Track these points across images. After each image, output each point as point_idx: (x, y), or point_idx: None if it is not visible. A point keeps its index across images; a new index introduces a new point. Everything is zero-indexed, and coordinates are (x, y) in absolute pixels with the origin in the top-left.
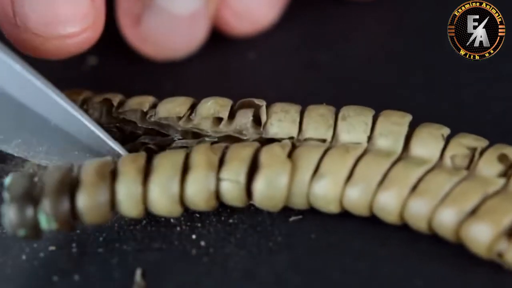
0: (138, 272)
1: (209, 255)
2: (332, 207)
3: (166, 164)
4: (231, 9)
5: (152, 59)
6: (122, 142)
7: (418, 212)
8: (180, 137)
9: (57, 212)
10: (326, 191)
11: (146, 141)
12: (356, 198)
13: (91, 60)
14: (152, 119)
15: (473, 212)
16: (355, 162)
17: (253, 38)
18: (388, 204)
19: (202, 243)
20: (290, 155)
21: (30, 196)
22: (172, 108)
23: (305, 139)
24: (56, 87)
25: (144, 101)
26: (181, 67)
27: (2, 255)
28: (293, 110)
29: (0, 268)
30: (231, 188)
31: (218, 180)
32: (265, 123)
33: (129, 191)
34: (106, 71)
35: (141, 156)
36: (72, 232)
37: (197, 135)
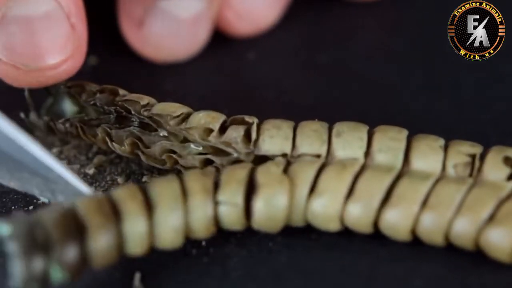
0: (137, 276)
1: (209, 255)
2: (332, 225)
3: (167, 196)
4: (232, 10)
5: (154, 61)
6: (116, 123)
7: (433, 226)
8: (166, 136)
9: (69, 261)
10: (325, 209)
11: (135, 131)
12: (358, 215)
13: (92, 60)
14: (146, 114)
15: (491, 218)
16: (354, 178)
17: (253, 38)
18: (398, 221)
19: (203, 242)
20: (285, 171)
21: (37, 246)
22: (168, 107)
23: (299, 155)
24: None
25: (144, 98)
26: (182, 67)
27: (2, 254)
28: (285, 126)
29: (1, 268)
30: (230, 211)
31: (215, 204)
32: (257, 139)
33: (136, 229)
34: (106, 70)
35: (137, 190)
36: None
37: (185, 141)
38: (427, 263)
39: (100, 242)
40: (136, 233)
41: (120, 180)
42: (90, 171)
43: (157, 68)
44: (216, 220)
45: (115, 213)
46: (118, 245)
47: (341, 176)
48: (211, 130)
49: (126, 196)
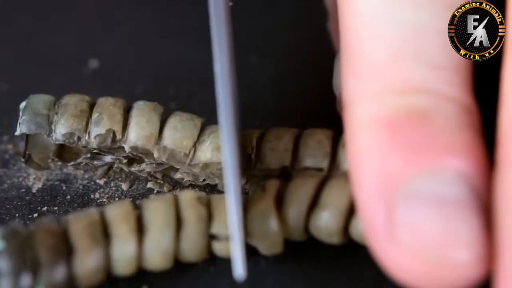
0: None
1: (216, 265)
2: (335, 239)
3: (159, 221)
4: None
5: None
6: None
7: None
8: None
9: (56, 282)
10: (329, 223)
11: (149, 170)
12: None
13: (92, 63)
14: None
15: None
16: None
17: (254, 41)
18: None
19: None
20: (284, 188)
21: (25, 266)
22: (179, 140)
23: (302, 168)
24: (57, 90)
25: (151, 135)
26: (184, 71)
27: None
28: (288, 136)
29: None
30: (224, 244)
31: (210, 236)
32: (258, 153)
33: (124, 253)
34: (107, 74)
35: (131, 211)
36: None
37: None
38: None
39: (88, 265)
40: (124, 256)
41: (124, 186)
42: (94, 177)
43: (159, 72)
44: (209, 249)
45: (105, 235)
46: (106, 267)
47: (344, 190)
48: (219, 163)
49: (118, 218)
